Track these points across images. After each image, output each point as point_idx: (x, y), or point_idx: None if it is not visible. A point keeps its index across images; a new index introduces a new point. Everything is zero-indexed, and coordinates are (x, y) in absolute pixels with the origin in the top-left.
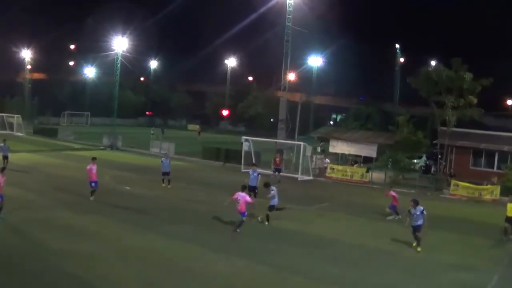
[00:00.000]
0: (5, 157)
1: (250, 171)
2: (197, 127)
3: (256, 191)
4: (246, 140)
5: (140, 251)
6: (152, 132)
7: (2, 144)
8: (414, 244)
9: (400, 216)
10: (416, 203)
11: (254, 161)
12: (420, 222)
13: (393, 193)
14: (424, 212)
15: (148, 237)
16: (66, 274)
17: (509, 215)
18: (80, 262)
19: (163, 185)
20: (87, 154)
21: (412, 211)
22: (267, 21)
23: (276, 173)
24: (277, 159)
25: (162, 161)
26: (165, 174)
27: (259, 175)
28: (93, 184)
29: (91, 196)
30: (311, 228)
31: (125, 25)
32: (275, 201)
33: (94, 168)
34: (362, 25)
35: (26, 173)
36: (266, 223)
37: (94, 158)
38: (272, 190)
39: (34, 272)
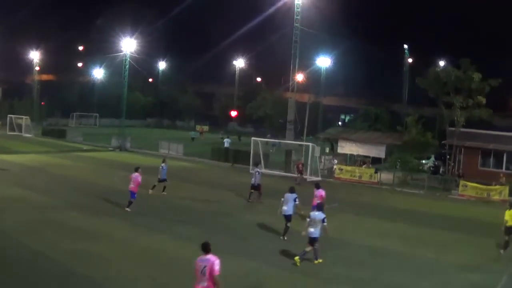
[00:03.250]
0: None
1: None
2: (200, 127)
3: (259, 189)
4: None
5: (149, 252)
6: (192, 136)
7: None
8: None
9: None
10: None
11: (262, 162)
12: None
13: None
14: None
15: (157, 237)
16: (76, 275)
17: (510, 224)
18: (90, 262)
19: (164, 193)
20: (96, 155)
21: None
22: (275, 22)
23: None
24: (300, 165)
25: (162, 167)
26: (163, 181)
27: (259, 173)
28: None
29: (128, 207)
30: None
31: (134, 26)
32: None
33: (139, 178)
34: (370, 26)
35: (35, 174)
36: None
37: (137, 168)
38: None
39: (45, 272)
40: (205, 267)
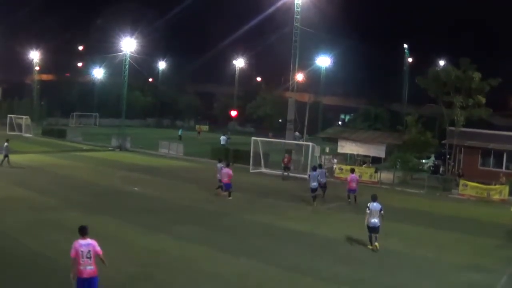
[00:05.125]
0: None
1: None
2: (198, 127)
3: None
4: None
5: (149, 252)
6: (179, 134)
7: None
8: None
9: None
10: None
11: (262, 162)
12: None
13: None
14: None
15: (157, 237)
16: None
17: None
18: None
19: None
20: (95, 155)
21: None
22: (275, 21)
23: (285, 173)
24: (285, 159)
25: (219, 168)
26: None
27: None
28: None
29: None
30: (320, 229)
31: (134, 26)
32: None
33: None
34: (370, 25)
35: (35, 174)
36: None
37: (221, 160)
38: None
39: (45, 272)
40: (89, 251)
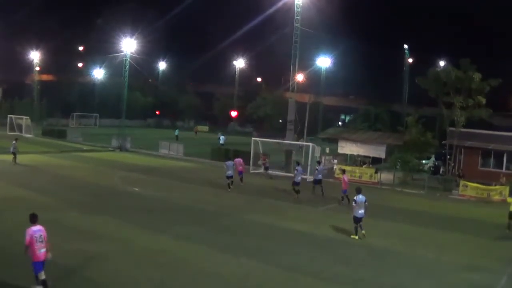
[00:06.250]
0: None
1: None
2: (196, 127)
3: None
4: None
5: (149, 252)
6: (176, 134)
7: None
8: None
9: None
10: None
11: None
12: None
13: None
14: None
15: (157, 237)
16: (75, 275)
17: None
18: (89, 262)
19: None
20: (96, 155)
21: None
22: (275, 22)
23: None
24: (262, 158)
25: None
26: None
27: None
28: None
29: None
30: (320, 229)
31: (134, 26)
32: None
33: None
34: (370, 25)
35: (36, 175)
36: None
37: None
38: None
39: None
40: (41, 235)
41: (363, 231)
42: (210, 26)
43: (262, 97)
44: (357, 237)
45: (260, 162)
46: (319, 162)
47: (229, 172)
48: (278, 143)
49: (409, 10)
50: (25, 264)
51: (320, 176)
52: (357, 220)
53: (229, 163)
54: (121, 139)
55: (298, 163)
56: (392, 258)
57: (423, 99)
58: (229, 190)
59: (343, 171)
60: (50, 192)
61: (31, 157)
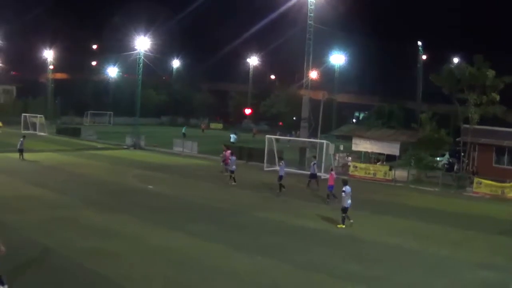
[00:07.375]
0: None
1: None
2: (203, 124)
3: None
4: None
5: (163, 250)
6: (183, 132)
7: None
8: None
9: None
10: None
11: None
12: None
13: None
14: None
15: (172, 235)
16: (90, 272)
17: None
18: (104, 260)
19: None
20: (110, 153)
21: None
22: (289, 19)
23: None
24: (225, 153)
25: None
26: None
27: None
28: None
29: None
30: (333, 226)
31: (148, 24)
32: (348, 203)
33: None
34: (384, 22)
35: (50, 173)
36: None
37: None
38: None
39: (58, 270)
40: None
41: (351, 220)
42: (224, 24)
43: (275, 94)
44: (344, 226)
45: (220, 155)
46: (314, 157)
47: (233, 167)
48: (289, 140)
49: (423, 7)
50: (44, 262)
51: (314, 170)
52: (345, 210)
53: (233, 158)
54: (135, 137)
55: (281, 159)
56: (405, 255)
57: (437, 96)
58: (233, 184)
59: (331, 169)
60: (65, 190)
61: (46, 155)
